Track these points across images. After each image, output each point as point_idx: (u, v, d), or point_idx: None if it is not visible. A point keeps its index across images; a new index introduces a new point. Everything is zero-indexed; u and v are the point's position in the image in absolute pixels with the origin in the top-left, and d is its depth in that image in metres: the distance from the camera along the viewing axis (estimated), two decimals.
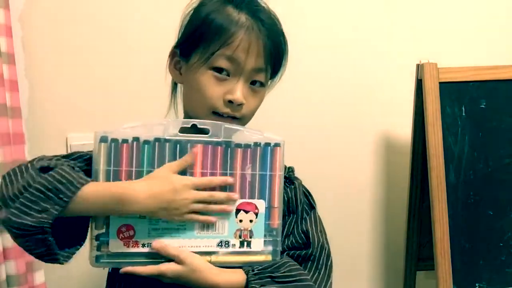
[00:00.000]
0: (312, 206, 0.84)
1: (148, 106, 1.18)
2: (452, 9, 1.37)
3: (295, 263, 0.74)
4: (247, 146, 0.71)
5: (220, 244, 0.71)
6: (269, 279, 0.70)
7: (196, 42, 0.75)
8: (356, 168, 1.37)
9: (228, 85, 0.73)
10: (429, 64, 1.12)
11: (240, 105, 0.74)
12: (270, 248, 0.73)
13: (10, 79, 1.10)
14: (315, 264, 0.76)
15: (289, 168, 0.87)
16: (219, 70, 0.73)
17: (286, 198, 0.80)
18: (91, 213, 0.67)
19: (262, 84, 0.78)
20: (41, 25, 1.19)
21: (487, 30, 1.38)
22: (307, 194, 0.85)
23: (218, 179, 0.70)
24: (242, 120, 0.77)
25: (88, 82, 1.22)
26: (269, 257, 0.73)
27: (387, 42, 1.35)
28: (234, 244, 0.72)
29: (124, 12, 1.21)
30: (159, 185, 0.66)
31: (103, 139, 0.70)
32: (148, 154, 0.69)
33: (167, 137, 0.69)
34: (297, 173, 1.34)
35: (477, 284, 1.11)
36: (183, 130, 0.71)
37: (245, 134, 0.72)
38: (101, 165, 0.68)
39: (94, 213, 0.67)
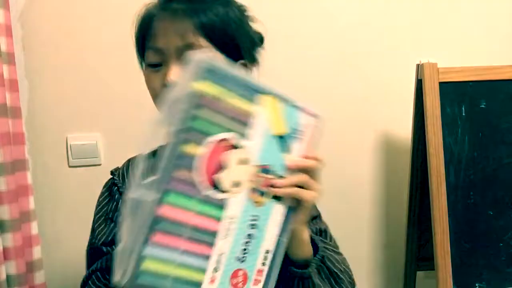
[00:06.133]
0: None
1: (148, 106, 1.18)
2: (452, 10, 1.37)
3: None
4: None
5: None
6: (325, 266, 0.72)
7: (137, 45, 0.78)
8: (356, 168, 1.38)
9: (163, 73, 0.73)
10: (429, 64, 1.12)
11: None
12: None
13: (10, 79, 1.10)
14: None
15: None
16: (151, 65, 0.75)
17: None
18: None
19: None
20: (41, 25, 1.19)
21: (487, 30, 1.38)
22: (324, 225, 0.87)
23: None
24: None
25: (88, 82, 1.22)
26: None
27: (387, 42, 1.35)
28: None
29: (124, 12, 1.21)
30: None
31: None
32: None
33: None
34: None
35: (477, 284, 1.11)
36: None
37: None
38: None
39: None
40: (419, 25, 1.36)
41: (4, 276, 1.06)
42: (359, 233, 1.40)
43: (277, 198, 0.59)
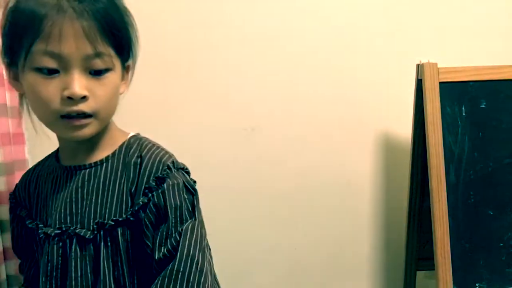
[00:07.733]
0: (192, 213, 0.71)
1: (147, 106, 1.18)
2: (452, 9, 1.37)
3: None
4: None
5: None
6: None
7: (13, 42, 0.66)
8: (356, 168, 1.37)
9: (62, 81, 0.64)
10: (429, 64, 1.12)
11: (84, 98, 0.65)
12: None
13: None
14: (185, 281, 0.66)
15: (165, 163, 0.73)
16: (42, 70, 0.64)
17: (153, 207, 0.69)
18: None
19: (108, 70, 0.68)
20: None
21: (487, 30, 1.38)
22: (190, 195, 0.72)
23: None
24: (97, 115, 0.69)
25: None
26: None
27: (387, 42, 1.35)
28: None
29: None
30: None
31: None
32: None
33: None
34: (296, 172, 1.34)
35: (477, 284, 1.11)
36: None
37: None
38: None
39: None
40: (419, 25, 1.36)
41: (4, 276, 1.06)
42: (359, 233, 1.40)
43: None
